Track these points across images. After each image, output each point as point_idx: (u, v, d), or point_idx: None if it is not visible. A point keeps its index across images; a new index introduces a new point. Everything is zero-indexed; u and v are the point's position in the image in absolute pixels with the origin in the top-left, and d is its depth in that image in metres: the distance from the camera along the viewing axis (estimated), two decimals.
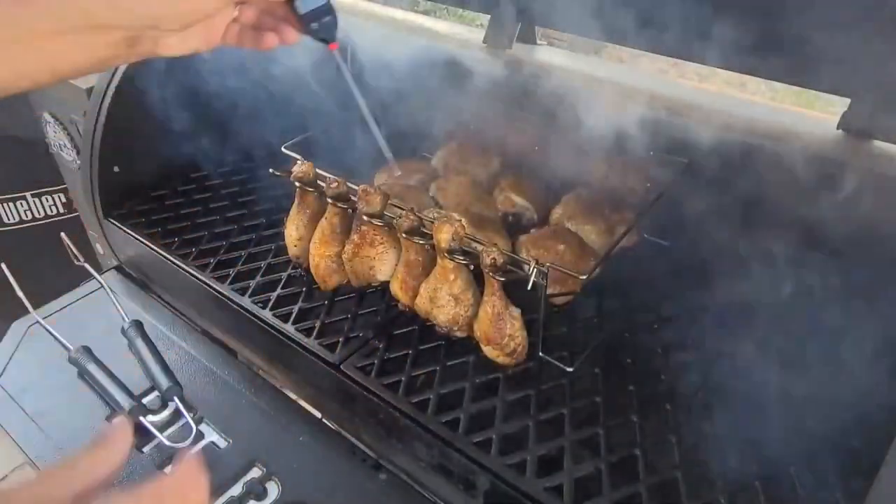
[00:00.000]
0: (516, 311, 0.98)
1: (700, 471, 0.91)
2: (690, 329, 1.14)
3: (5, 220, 1.87)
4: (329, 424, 1.11)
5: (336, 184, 1.09)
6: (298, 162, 1.13)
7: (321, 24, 0.81)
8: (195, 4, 0.65)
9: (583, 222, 1.17)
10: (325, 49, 0.83)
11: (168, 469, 1.02)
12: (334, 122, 1.25)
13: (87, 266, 1.36)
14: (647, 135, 1.11)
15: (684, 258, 1.13)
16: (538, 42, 1.43)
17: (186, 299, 1.35)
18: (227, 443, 1.06)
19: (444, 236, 0.95)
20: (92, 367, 1.13)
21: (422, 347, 1.10)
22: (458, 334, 1.06)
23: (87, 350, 1.16)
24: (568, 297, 1.09)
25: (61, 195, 1.92)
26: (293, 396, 1.16)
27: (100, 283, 1.35)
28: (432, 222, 0.98)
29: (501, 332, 0.98)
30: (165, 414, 1.09)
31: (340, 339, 1.11)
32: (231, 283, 1.24)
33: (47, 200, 1.91)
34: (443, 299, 1.02)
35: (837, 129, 1.04)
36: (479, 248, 0.96)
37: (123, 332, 1.21)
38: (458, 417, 0.97)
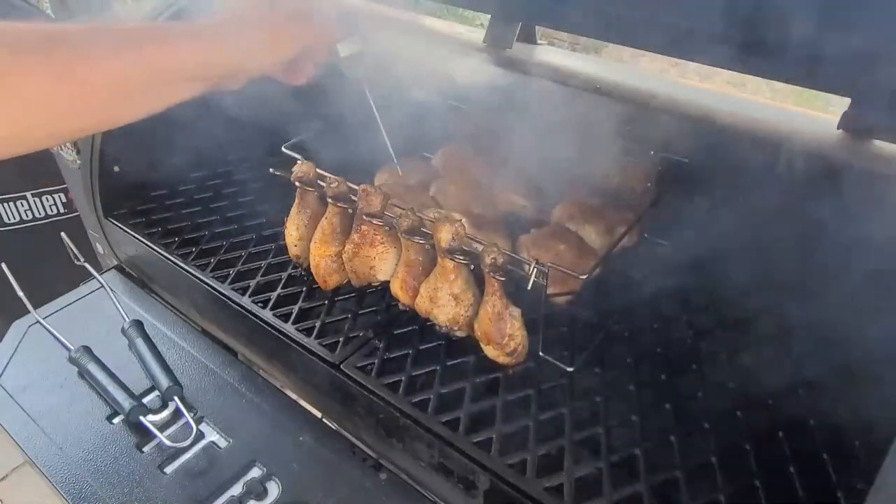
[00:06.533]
0: (516, 311, 0.98)
1: (701, 470, 0.91)
2: (691, 328, 1.14)
3: (5, 219, 1.87)
4: (329, 424, 1.12)
5: (336, 183, 1.09)
6: (298, 162, 1.13)
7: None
8: (261, 63, 0.78)
9: (583, 222, 1.16)
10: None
11: (168, 469, 1.02)
12: (333, 121, 1.25)
13: (87, 266, 1.36)
14: (647, 134, 1.11)
15: (684, 258, 1.13)
16: (538, 42, 1.43)
17: (186, 299, 1.35)
18: (227, 443, 1.06)
19: (444, 236, 0.95)
20: (92, 367, 1.14)
21: (422, 347, 1.10)
22: (459, 334, 1.06)
23: (87, 350, 1.16)
24: (568, 296, 1.09)
25: (61, 195, 1.92)
26: (293, 396, 1.16)
27: (100, 282, 1.35)
28: (432, 222, 0.98)
29: (501, 331, 0.98)
30: (165, 414, 1.09)
31: (340, 339, 1.11)
32: (231, 283, 1.24)
33: (47, 200, 1.91)
34: (443, 299, 1.02)
35: (837, 129, 1.04)
36: (480, 247, 0.96)
37: (123, 331, 1.21)
38: (459, 417, 0.97)
